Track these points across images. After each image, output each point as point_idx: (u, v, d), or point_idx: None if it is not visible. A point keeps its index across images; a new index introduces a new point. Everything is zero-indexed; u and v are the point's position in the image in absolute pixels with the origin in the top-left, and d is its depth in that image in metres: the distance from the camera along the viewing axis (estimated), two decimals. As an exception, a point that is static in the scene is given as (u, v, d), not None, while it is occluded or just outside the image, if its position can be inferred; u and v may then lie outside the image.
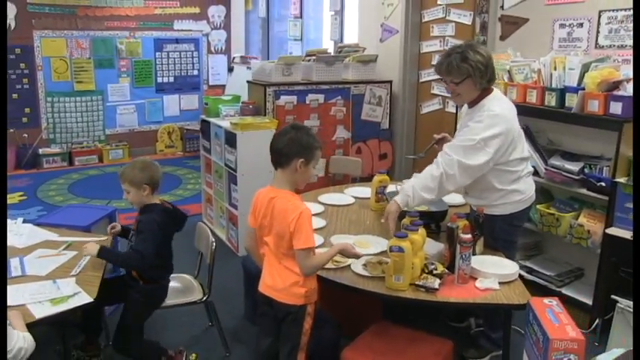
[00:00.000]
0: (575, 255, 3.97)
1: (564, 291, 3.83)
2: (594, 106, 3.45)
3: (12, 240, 3.30)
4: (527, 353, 1.54)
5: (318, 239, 3.16)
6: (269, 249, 2.59)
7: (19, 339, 2.22)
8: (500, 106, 2.96)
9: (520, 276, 3.85)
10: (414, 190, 2.96)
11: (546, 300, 1.52)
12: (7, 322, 2.26)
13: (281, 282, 2.55)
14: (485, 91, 2.98)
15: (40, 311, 2.51)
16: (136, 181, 3.02)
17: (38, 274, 2.86)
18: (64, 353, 2.94)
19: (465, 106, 3.16)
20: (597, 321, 3.52)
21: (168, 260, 3.20)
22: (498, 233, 3.07)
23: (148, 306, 3.11)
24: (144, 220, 3.02)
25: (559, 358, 1.35)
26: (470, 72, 2.87)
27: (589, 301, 3.63)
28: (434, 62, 5.29)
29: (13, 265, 2.95)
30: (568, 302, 3.74)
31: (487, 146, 2.85)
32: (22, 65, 7.65)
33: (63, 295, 2.64)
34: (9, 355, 2.18)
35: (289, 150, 2.50)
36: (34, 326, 2.47)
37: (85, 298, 2.64)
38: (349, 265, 2.83)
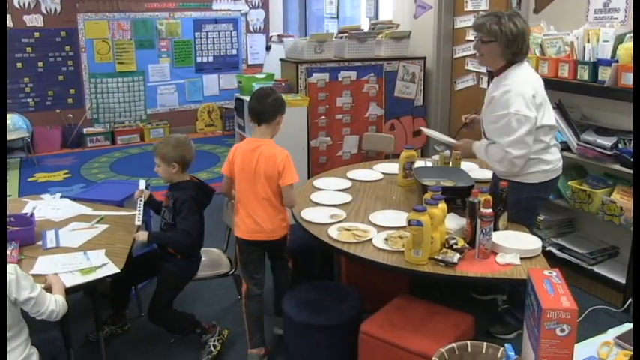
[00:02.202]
0: (611, 233, 3.87)
1: (597, 269, 3.76)
2: (628, 79, 3.34)
3: (49, 214, 3.44)
4: (526, 324, 1.53)
5: (341, 214, 3.19)
6: (252, 196, 2.97)
7: (51, 302, 2.36)
8: (522, 74, 2.98)
9: (551, 253, 3.86)
10: (484, 149, 3.09)
11: (546, 271, 1.50)
12: (43, 286, 2.43)
13: (269, 223, 2.99)
14: (511, 64, 3.00)
15: (71, 280, 2.62)
16: (167, 157, 3.07)
17: (71, 246, 2.97)
18: (95, 320, 3.04)
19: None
20: (629, 300, 3.45)
21: (202, 234, 3.26)
22: (524, 202, 3.06)
23: (183, 279, 3.20)
24: (180, 198, 3.08)
25: (551, 328, 1.33)
26: (497, 36, 2.91)
27: (622, 280, 3.55)
28: (468, 37, 5.21)
29: (49, 237, 3.06)
30: (601, 281, 3.70)
31: (523, 113, 2.86)
32: (67, 48, 7.87)
33: (92, 266, 2.74)
34: (43, 316, 2.35)
35: (275, 108, 2.98)
36: (66, 294, 2.61)
37: (112, 269, 2.73)
38: (371, 240, 2.85)
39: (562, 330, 1.33)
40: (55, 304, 2.38)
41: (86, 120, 8.11)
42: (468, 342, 1.63)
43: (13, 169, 6.99)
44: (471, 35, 5.18)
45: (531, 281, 1.44)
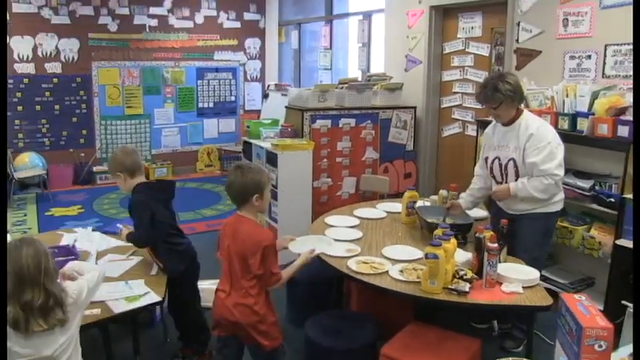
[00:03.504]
0: (586, 265, 4.04)
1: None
2: (603, 130, 3.55)
3: (85, 245, 3.47)
4: (560, 342, 1.64)
5: (355, 248, 3.28)
6: None
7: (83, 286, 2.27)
8: (534, 116, 3.37)
9: (536, 283, 3.99)
10: (523, 185, 3.21)
11: (576, 295, 1.63)
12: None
13: None
14: (519, 111, 3.30)
15: (118, 307, 2.66)
16: (112, 170, 3.12)
17: (112, 276, 2.99)
18: (133, 349, 3.06)
19: (496, 126, 3.46)
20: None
21: (170, 226, 3.19)
22: (551, 229, 3.38)
23: (175, 279, 3.10)
24: (131, 202, 3.11)
25: (591, 344, 1.45)
26: (502, 99, 3.19)
27: (600, 307, 3.68)
28: (455, 89, 5.44)
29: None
30: (580, 308, 3.83)
31: (557, 141, 3.21)
32: (82, 92, 7.95)
33: (135, 294, 2.78)
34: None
35: None
36: (111, 322, 2.68)
37: (154, 297, 2.79)
38: (387, 271, 2.94)
39: (600, 346, 1.45)
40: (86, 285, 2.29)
41: (96, 159, 8.13)
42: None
43: (30, 203, 6.97)
44: (457, 87, 5.41)
45: (565, 304, 1.56)
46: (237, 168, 2.67)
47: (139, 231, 3.09)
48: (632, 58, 3.74)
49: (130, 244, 3.22)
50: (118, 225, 3.37)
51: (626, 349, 1.80)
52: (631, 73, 3.76)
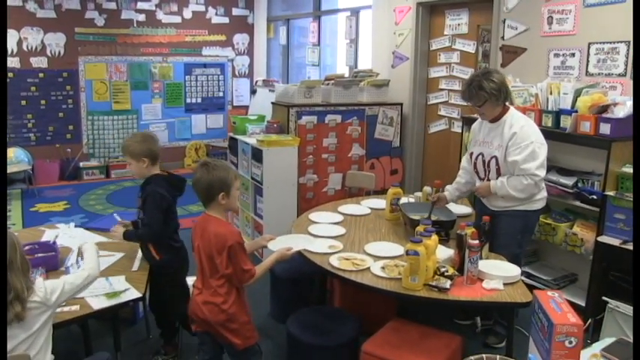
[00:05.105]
0: (569, 261, 4.06)
1: (560, 294, 3.91)
2: (586, 127, 3.56)
3: (67, 241, 3.43)
4: (533, 338, 1.65)
5: (338, 245, 3.27)
6: None
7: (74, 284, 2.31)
8: (521, 114, 3.36)
9: (519, 280, 4.00)
10: (502, 184, 3.23)
11: (549, 292, 1.64)
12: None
13: None
14: (505, 108, 3.29)
15: (98, 304, 2.64)
16: (136, 153, 3.02)
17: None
18: (114, 345, 3.03)
19: (483, 122, 3.45)
20: (589, 320, 3.60)
21: (174, 224, 3.21)
22: (531, 228, 3.40)
23: (169, 275, 3.13)
24: (146, 192, 3.04)
25: (561, 341, 1.46)
26: (486, 97, 3.18)
27: (582, 303, 3.70)
28: (441, 86, 5.44)
29: (71, 262, 3.05)
30: (563, 304, 3.85)
31: (540, 141, 3.19)
32: (68, 87, 7.88)
33: (115, 291, 2.76)
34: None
35: None
36: (91, 318, 2.65)
37: (134, 294, 2.76)
38: (369, 268, 2.93)
39: (570, 342, 1.45)
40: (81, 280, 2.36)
41: (83, 154, 8.08)
42: (484, 355, 1.73)
43: (15, 199, 6.90)
44: (443, 84, 5.41)
45: (538, 301, 1.57)
46: (203, 165, 2.58)
47: (152, 225, 3.01)
48: (614, 56, 3.76)
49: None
50: (115, 215, 3.31)
51: (600, 345, 1.81)
52: (613, 71, 3.79)
